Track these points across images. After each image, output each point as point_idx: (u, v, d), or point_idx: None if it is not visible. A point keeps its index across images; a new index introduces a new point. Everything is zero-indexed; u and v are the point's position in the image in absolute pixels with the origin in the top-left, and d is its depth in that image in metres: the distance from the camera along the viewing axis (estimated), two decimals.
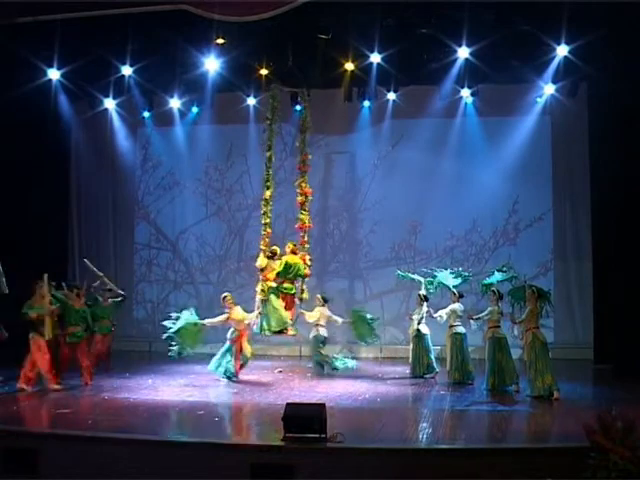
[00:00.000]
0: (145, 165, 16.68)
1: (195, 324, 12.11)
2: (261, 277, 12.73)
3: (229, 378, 11.94)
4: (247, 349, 12.39)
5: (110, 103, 15.46)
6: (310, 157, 13.72)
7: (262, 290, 12.55)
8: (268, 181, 13.08)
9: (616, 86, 12.89)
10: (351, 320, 13.03)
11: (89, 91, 14.78)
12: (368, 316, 12.97)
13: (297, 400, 9.64)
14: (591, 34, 11.68)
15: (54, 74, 13.48)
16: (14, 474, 7.63)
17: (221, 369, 12.04)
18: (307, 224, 13.34)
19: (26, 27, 11.59)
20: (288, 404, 7.98)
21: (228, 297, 12.35)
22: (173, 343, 11.89)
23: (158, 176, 16.57)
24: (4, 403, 9.99)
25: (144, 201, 16.67)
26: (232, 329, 12.23)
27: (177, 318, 12.05)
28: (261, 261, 12.79)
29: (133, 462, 7.58)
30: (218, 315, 12.31)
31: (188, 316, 12.14)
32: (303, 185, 13.40)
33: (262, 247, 12.88)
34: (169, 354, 11.96)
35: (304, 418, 7.61)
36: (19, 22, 11.47)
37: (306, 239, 13.35)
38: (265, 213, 12.98)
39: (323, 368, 12.75)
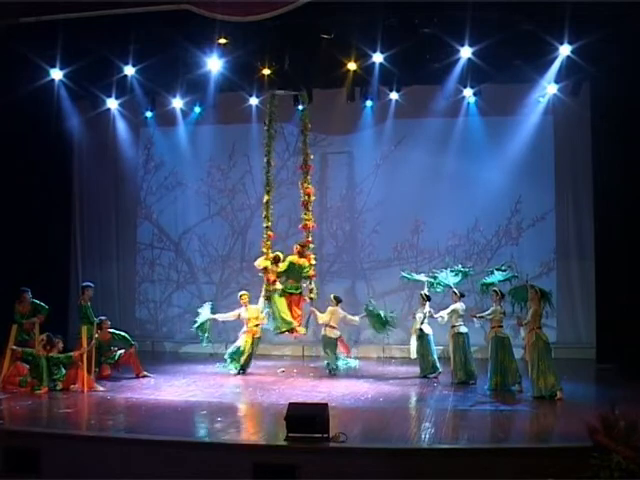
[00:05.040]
0: (148, 165, 16.68)
1: (208, 319, 13.22)
2: (264, 279, 12.87)
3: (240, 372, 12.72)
4: (247, 344, 12.87)
5: (113, 103, 15.45)
6: (312, 157, 13.73)
7: (266, 292, 12.78)
8: (268, 185, 13.15)
9: (619, 86, 12.88)
10: (365, 315, 13.15)
11: (92, 91, 14.76)
12: (382, 313, 13.03)
13: (300, 400, 9.63)
14: (594, 34, 11.64)
15: (57, 74, 13.45)
16: (15, 473, 7.65)
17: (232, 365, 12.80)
18: (311, 224, 13.38)
19: (29, 27, 11.60)
20: (291, 404, 7.99)
21: (244, 295, 13.10)
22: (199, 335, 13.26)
23: (161, 176, 16.56)
24: (6, 403, 10.02)
25: (147, 201, 16.66)
26: (244, 327, 12.94)
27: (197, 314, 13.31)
28: (260, 262, 12.93)
29: (135, 462, 7.60)
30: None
31: (205, 312, 13.28)
32: (305, 185, 13.43)
33: (264, 250, 12.95)
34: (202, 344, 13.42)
35: (307, 418, 7.61)
36: (22, 22, 11.49)
37: (310, 239, 13.38)
38: (266, 217, 13.05)
39: (331, 369, 12.80)
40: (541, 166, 14.92)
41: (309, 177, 13.50)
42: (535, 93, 14.37)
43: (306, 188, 13.39)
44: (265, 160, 13.19)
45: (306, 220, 13.34)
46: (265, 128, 13.33)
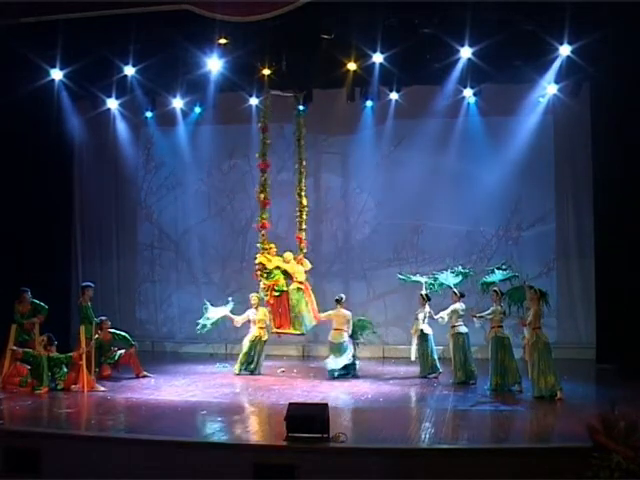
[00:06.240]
0: (148, 165, 16.69)
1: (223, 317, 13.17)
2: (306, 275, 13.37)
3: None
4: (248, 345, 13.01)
5: (113, 103, 15.44)
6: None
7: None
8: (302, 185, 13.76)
9: (618, 86, 12.89)
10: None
11: (92, 91, 14.76)
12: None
13: (300, 400, 9.64)
14: (594, 34, 11.65)
15: (57, 74, 13.44)
16: (15, 473, 7.66)
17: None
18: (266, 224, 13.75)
19: (29, 27, 11.60)
20: (291, 404, 7.99)
21: (255, 297, 13.09)
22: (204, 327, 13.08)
23: (161, 176, 16.57)
24: (6, 403, 10.02)
25: (147, 201, 16.67)
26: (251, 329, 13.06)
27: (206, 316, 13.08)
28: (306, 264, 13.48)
29: (135, 462, 7.60)
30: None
31: (221, 310, 13.16)
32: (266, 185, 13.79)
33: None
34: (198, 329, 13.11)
35: (307, 418, 7.62)
36: (22, 22, 11.49)
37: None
38: (301, 221, 13.71)
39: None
40: (541, 166, 14.92)
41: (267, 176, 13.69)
42: (535, 93, 14.37)
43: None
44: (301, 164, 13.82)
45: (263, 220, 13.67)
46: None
